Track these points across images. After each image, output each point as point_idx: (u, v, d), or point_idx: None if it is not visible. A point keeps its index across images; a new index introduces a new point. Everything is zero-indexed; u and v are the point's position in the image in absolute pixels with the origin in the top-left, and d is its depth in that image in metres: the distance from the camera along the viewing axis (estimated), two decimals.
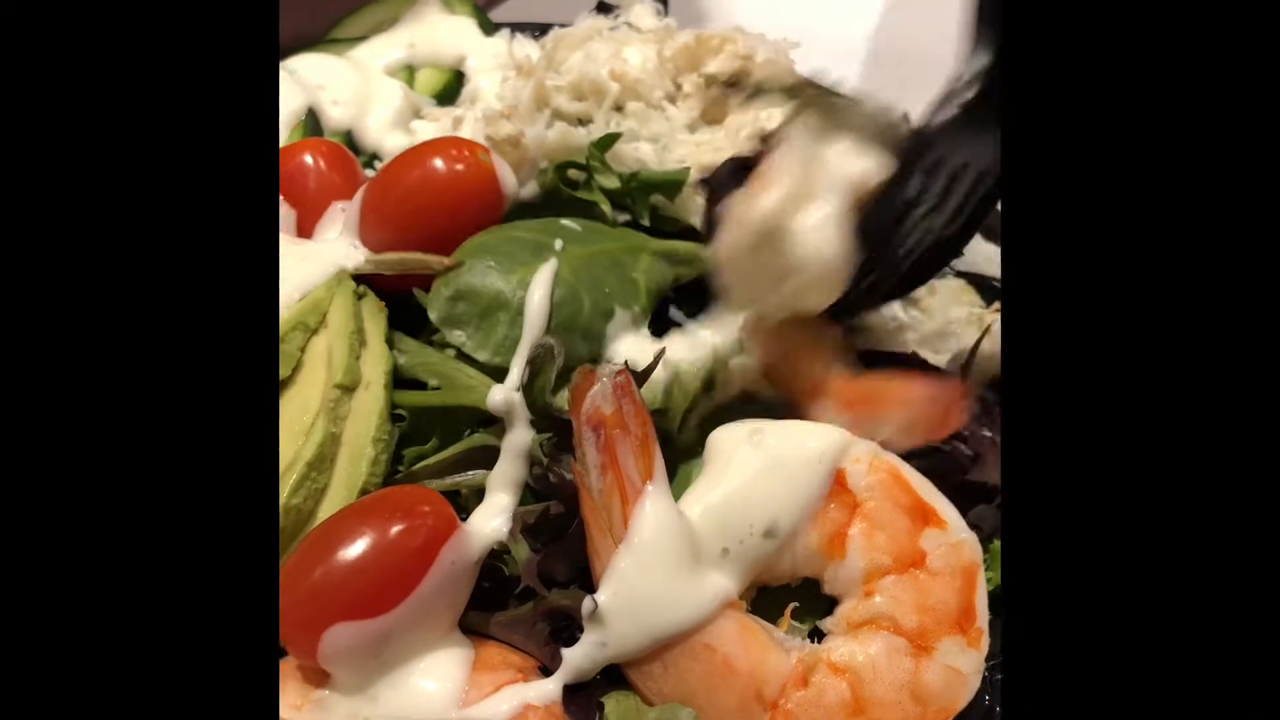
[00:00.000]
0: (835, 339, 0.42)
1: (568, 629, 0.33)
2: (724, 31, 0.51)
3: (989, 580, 0.35)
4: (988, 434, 0.37)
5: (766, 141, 0.43)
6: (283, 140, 0.46)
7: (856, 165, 0.40)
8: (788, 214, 0.39)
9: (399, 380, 0.37)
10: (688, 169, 0.45)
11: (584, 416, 0.33)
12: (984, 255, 0.47)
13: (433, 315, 0.37)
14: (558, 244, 0.38)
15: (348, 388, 0.36)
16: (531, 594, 0.34)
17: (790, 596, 0.34)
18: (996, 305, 0.46)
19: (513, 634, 0.34)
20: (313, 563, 0.32)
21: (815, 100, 0.43)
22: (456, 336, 0.37)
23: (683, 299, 0.43)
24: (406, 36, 0.51)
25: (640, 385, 0.36)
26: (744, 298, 0.40)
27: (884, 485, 0.34)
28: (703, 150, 0.45)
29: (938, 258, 0.41)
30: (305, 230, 0.42)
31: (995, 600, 0.36)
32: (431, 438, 0.36)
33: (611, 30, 0.52)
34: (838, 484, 0.33)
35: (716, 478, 0.34)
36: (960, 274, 0.48)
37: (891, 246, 0.41)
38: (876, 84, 0.56)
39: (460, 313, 0.37)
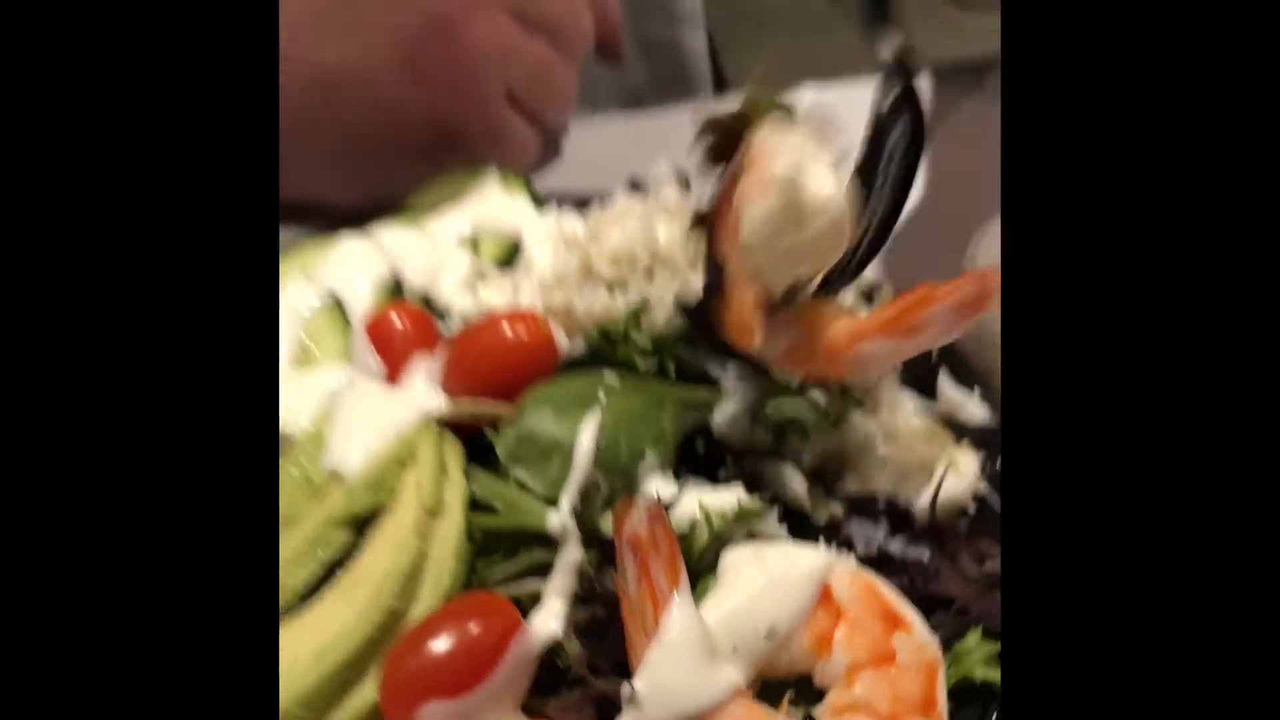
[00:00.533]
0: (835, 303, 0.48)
1: (610, 710, 0.41)
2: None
3: (949, 676, 0.43)
4: (945, 556, 0.46)
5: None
6: (371, 301, 0.55)
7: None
8: (797, 171, 0.44)
9: (473, 505, 0.45)
10: (707, 325, 0.54)
11: (624, 538, 0.41)
12: (955, 400, 0.56)
13: (501, 454, 0.46)
14: (601, 396, 0.47)
15: (432, 513, 0.44)
16: (581, 681, 0.41)
17: (787, 687, 0.42)
18: (965, 443, 0.54)
19: (565, 714, 0.41)
20: (410, 653, 0.40)
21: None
22: (520, 472, 0.45)
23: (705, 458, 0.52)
24: (471, 211, 0.60)
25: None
26: (765, 271, 0.45)
27: (862, 596, 0.41)
28: None
29: (888, 231, 0.48)
30: (393, 377, 0.51)
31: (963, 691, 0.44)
32: (499, 553, 0.44)
33: (643, 207, 0.61)
34: (824, 595, 0.41)
35: (728, 590, 0.42)
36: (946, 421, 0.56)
37: (870, 208, 0.48)
38: None
39: (523, 452, 0.46)
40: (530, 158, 0.67)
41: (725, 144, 0.48)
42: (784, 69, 0.53)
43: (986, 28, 0.73)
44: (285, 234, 0.64)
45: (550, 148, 0.70)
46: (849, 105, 0.49)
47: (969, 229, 0.63)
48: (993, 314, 0.54)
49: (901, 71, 0.49)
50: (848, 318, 0.47)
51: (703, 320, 0.51)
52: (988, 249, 0.62)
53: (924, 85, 0.52)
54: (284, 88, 0.66)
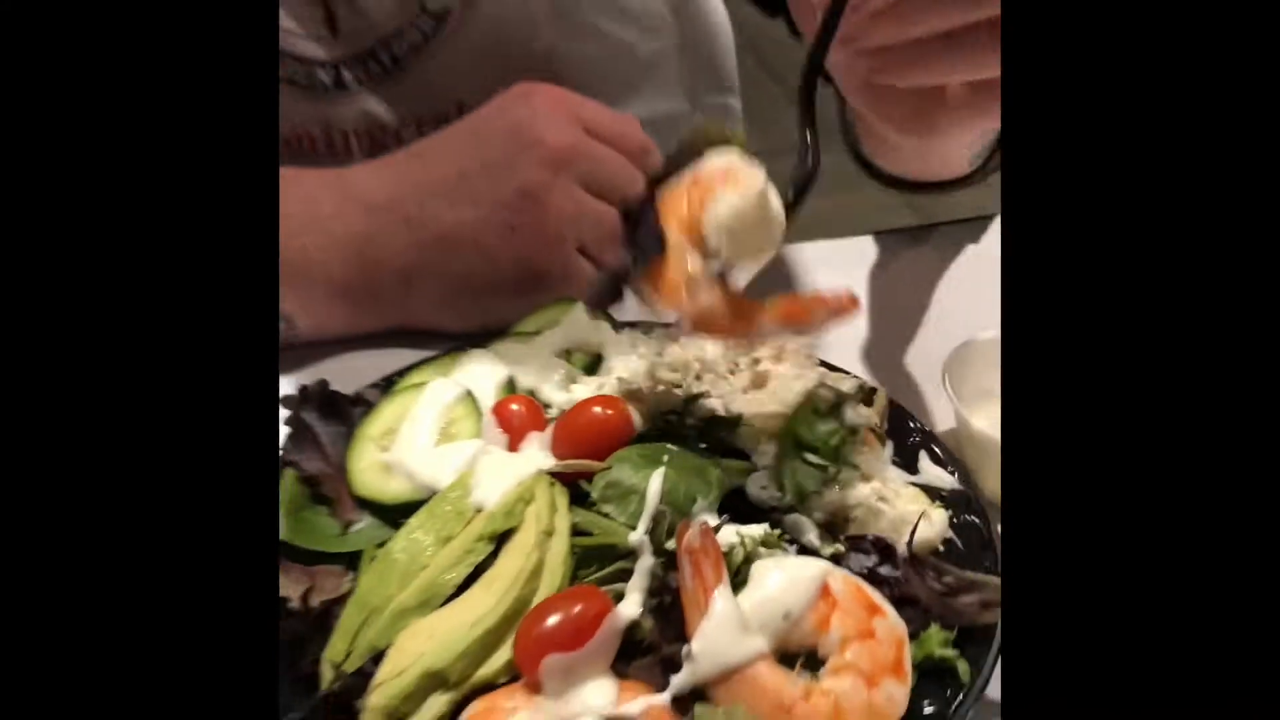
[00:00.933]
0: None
1: (672, 669, 0.57)
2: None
3: (915, 654, 0.58)
4: (916, 574, 0.61)
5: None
6: (495, 397, 0.73)
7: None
8: (768, 186, 0.60)
9: (574, 531, 0.62)
10: (739, 415, 0.71)
11: (683, 549, 0.57)
12: (930, 472, 0.73)
13: (594, 496, 0.62)
14: (665, 459, 0.65)
15: (548, 533, 0.61)
16: (653, 648, 0.57)
17: (798, 656, 0.58)
18: (936, 503, 0.70)
19: (641, 673, 0.57)
20: (535, 624, 0.55)
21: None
22: (607, 508, 0.62)
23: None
24: (565, 332, 0.78)
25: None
26: (717, 250, 0.60)
27: (851, 592, 0.57)
28: (751, 404, 0.72)
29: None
30: (513, 447, 0.68)
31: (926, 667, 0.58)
32: (594, 563, 0.61)
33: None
34: (825, 590, 0.57)
35: (756, 586, 0.57)
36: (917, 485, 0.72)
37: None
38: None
39: (610, 494, 0.62)
40: (593, 291, 0.81)
41: (688, 154, 0.64)
42: None
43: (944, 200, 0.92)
44: (422, 352, 0.83)
45: (616, 292, 0.85)
46: None
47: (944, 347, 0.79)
48: (976, 430, 0.71)
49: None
50: (751, 302, 0.62)
51: (629, 280, 0.66)
52: (958, 370, 0.79)
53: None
54: (416, 243, 0.86)
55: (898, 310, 0.90)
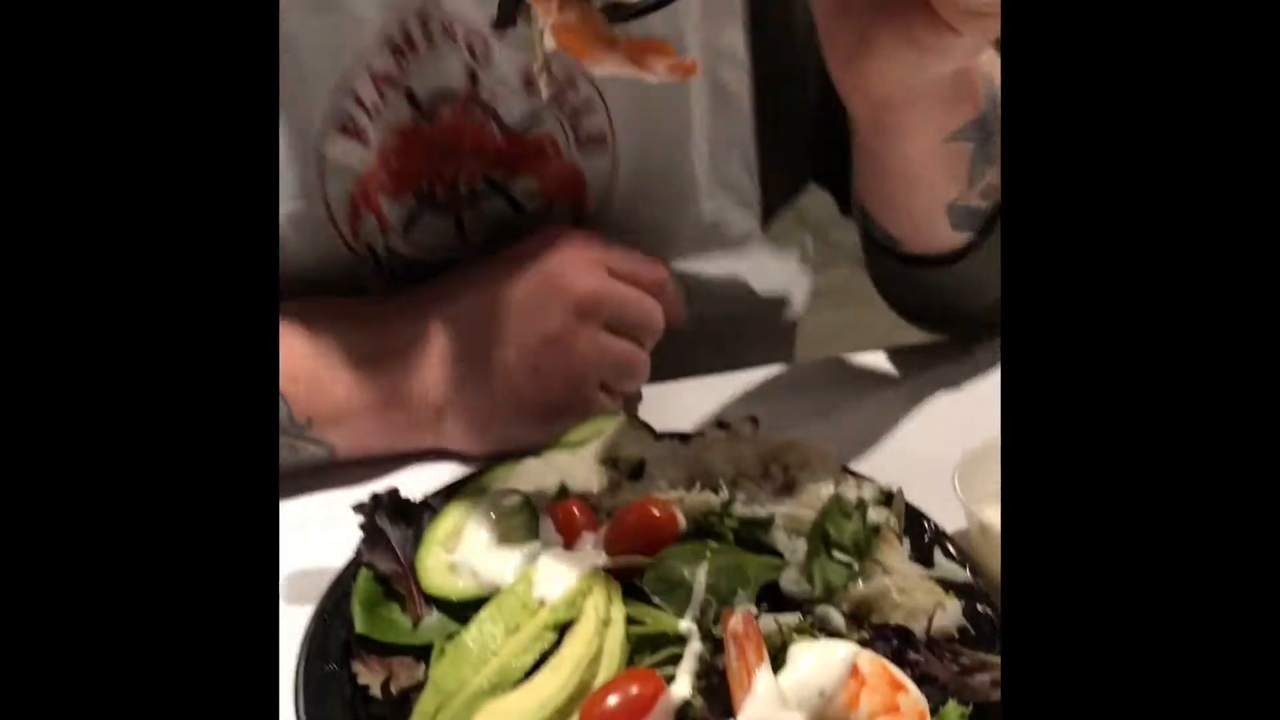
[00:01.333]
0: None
1: None
2: (788, 440, 0.87)
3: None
4: (935, 657, 0.68)
5: None
6: (550, 501, 0.81)
7: None
8: None
9: (629, 620, 0.69)
10: (772, 516, 0.79)
11: (728, 633, 0.64)
12: (945, 567, 0.80)
13: (646, 588, 0.69)
14: (708, 554, 0.72)
15: (605, 623, 0.68)
16: None
17: None
18: (951, 594, 0.77)
19: None
20: (596, 704, 0.61)
21: None
22: (658, 599, 0.69)
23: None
24: (610, 442, 0.84)
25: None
26: None
27: (878, 671, 0.63)
28: (781, 507, 0.79)
29: None
30: (569, 545, 0.75)
31: None
32: (647, 649, 0.68)
33: (725, 440, 0.88)
34: (854, 670, 0.63)
35: (793, 667, 0.63)
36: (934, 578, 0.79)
37: None
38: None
39: (660, 588, 0.69)
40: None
41: None
42: None
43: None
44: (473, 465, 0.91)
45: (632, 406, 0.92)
46: None
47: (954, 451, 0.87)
48: (985, 526, 0.79)
49: None
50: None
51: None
52: (968, 472, 0.86)
53: None
54: (447, 379, 0.92)
55: (911, 420, 0.98)
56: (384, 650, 0.71)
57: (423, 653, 0.71)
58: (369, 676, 0.69)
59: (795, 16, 0.99)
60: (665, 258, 0.98)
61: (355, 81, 0.86)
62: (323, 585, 0.76)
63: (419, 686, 0.69)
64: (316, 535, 0.83)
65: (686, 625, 0.63)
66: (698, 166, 0.99)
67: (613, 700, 0.60)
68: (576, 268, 0.86)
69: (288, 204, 0.91)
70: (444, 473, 0.88)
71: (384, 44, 0.85)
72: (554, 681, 0.62)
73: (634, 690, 0.60)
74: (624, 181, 0.95)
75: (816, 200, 1.12)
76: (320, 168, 0.92)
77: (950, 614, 0.72)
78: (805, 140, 1.07)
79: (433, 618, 0.74)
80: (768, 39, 0.99)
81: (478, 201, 0.98)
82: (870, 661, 0.64)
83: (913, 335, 1.11)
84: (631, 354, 0.89)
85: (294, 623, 0.73)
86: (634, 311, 0.87)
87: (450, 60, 0.87)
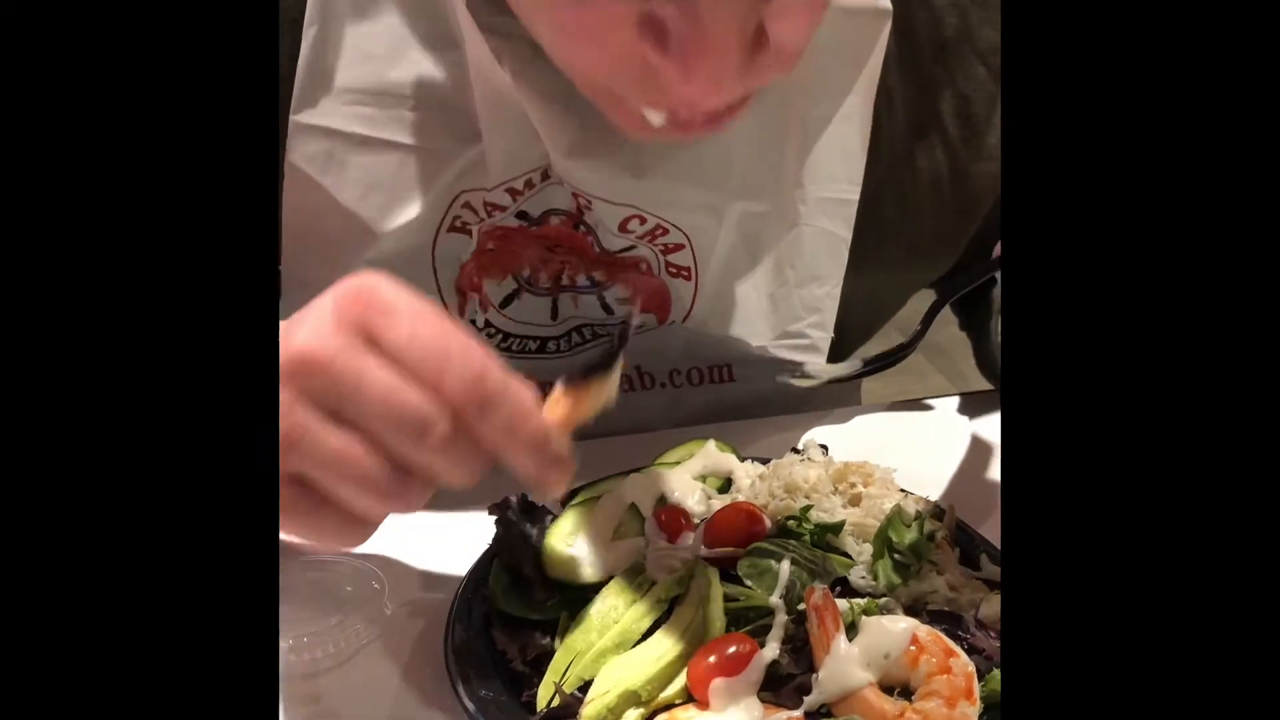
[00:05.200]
0: None
1: (805, 693, 0.77)
2: (855, 462, 1.02)
3: (981, 691, 0.78)
4: (980, 634, 0.81)
5: None
6: (652, 506, 0.96)
7: None
8: None
9: (725, 598, 0.83)
10: (843, 521, 0.93)
11: (810, 605, 0.78)
12: (992, 571, 0.93)
13: (740, 573, 0.84)
14: (791, 548, 0.87)
15: (706, 599, 0.82)
16: (790, 678, 0.77)
17: (894, 687, 0.77)
18: (996, 590, 0.90)
19: (780, 698, 0.77)
20: (703, 657, 0.73)
21: None
22: (750, 581, 0.84)
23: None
24: (700, 461, 1.00)
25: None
26: None
27: (933, 639, 0.76)
28: (850, 516, 0.93)
29: None
30: (671, 541, 0.91)
31: (991, 703, 0.77)
32: (741, 621, 0.81)
33: (801, 463, 1.03)
34: (914, 638, 0.76)
35: (864, 634, 0.76)
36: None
37: None
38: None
39: (751, 573, 0.84)
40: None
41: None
42: None
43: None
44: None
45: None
46: None
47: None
48: None
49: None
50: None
51: None
52: None
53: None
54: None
55: (959, 450, 1.12)
56: (517, 624, 0.86)
57: (549, 628, 0.86)
58: (506, 644, 0.84)
59: None
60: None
61: (471, 199, 0.93)
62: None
63: (548, 654, 0.83)
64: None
65: (775, 601, 0.77)
66: (780, 309, 1.02)
67: (714, 657, 0.73)
68: (319, 319, 0.55)
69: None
70: None
71: (503, 189, 0.92)
72: (666, 642, 0.75)
73: (732, 649, 0.73)
74: (702, 305, 1.00)
75: None
76: (432, 262, 1.01)
77: (994, 606, 0.86)
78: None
79: (556, 600, 0.88)
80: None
81: (574, 291, 1.07)
82: (927, 632, 0.78)
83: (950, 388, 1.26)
84: (349, 455, 0.55)
85: (436, 608, 0.88)
86: (369, 404, 0.55)
87: (560, 193, 0.93)
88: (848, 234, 0.96)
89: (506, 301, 1.09)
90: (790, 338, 1.03)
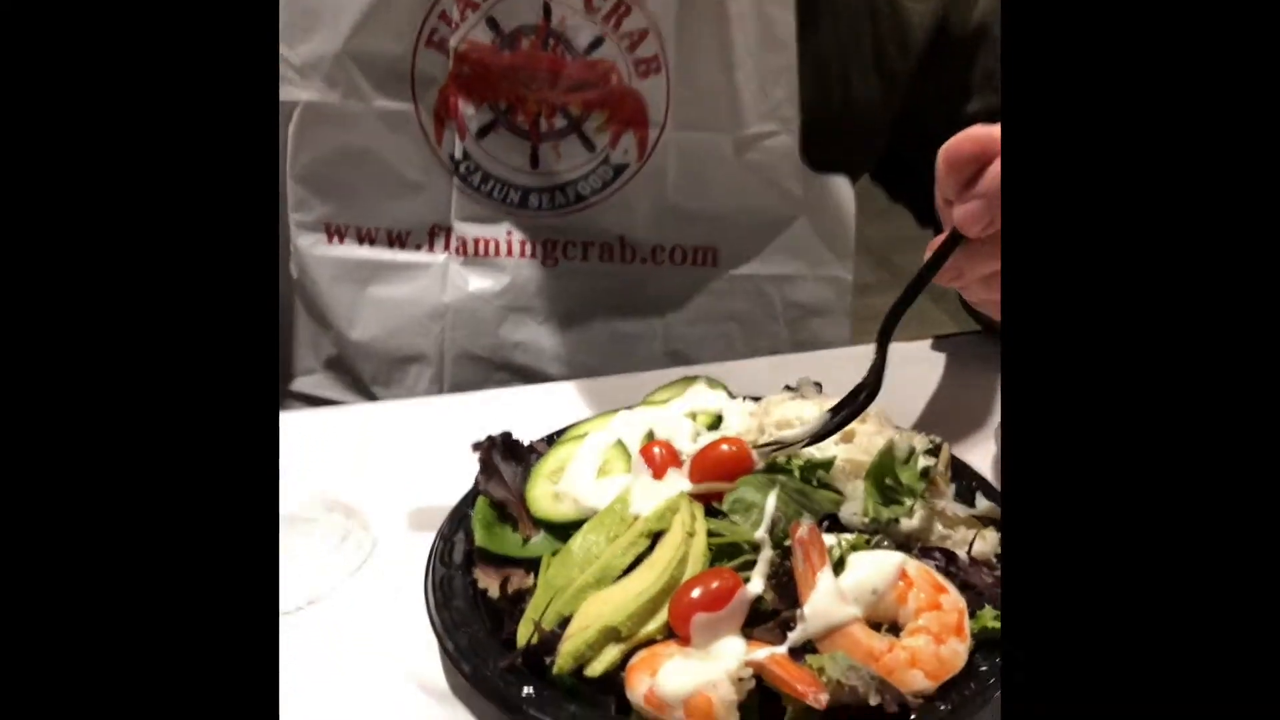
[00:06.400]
0: None
1: (789, 629, 0.75)
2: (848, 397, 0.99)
3: (973, 628, 0.75)
4: (973, 570, 0.79)
5: None
6: (640, 441, 0.93)
7: None
8: None
9: (710, 533, 0.81)
10: (834, 458, 0.90)
11: (795, 539, 0.76)
12: (987, 507, 0.91)
13: (724, 508, 0.81)
14: (778, 484, 0.84)
15: (690, 534, 0.80)
16: (774, 614, 0.75)
17: (882, 624, 0.75)
18: (990, 526, 0.88)
19: (765, 633, 0.75)
20: (684, 593, 0.72)
21: None
22: (735, 517, 0.81)
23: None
24: (690, 399, 0.98)
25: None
26: None
27: (922, 575, 0.74)
28: (842, 452, 0.91)
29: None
30: (658, 477, 0.88)
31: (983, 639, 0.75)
32: (726, 557, 0.80)
33: (792, 400, 1.00)
34: (902, 573, 0.74)
35: (851, 569, 0.74)
36: None
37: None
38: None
39: (736, 508, 0.81)
40: None
41: None
42: None
43: None
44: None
45: None
46: None
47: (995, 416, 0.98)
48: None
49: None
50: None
51: None
52: None
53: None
54: None
55: (955, 387, 1.09)
56: (499, 562, 0.84)
57: (532, 565, 0.84)
58: (487, 581, 0.82)
59: None
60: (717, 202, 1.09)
61: (443, 2, 1.01)
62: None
63: (529, 591, 0.81)
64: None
65: (760, 535, 0.74)
66: (744, 94, 1.06)
67: (697, 592, 0.71)
68: None
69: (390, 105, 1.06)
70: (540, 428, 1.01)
71: None
72: (648, 577, 0.73)
73: (715, 584, 0.71)
74: (677, 109, 1.05)
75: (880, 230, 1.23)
76: (412, 78, 1.07)
77: (989, 542, 0.83)
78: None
79: (539, 537, 0.86)
80: None
81: (554, 137, 1.10)
82: (916, 567, 0.75)
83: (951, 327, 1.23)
84: None
85: (420, 547, 0.86)
86: None
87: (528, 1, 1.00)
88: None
89: (483, 132, 1.12)
90: (762, 138, 1.10)
